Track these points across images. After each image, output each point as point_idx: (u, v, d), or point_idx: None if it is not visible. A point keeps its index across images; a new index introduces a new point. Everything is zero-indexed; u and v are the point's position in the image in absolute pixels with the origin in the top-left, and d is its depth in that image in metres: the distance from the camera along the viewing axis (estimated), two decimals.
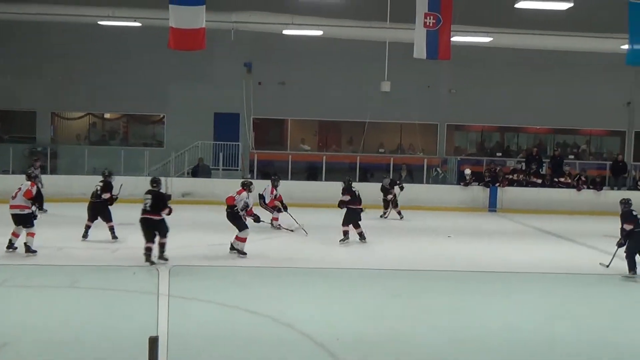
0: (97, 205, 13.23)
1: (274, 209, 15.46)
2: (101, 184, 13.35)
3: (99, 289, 9.75)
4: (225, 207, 12.44)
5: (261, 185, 15.67)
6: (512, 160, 23.70)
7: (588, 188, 21.34)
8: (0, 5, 19.06)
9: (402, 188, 18.29)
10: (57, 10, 19.36)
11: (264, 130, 24.50)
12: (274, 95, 23.24)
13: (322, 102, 23.27)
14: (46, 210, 15.62)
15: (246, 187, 12.62)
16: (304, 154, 23.72)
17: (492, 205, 20.87)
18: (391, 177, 19.83)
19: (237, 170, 22.27)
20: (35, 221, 11.77)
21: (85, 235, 13.13)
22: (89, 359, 7.08)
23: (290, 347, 7.56)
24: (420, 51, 17.13)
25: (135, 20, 20.03)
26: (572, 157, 24.56)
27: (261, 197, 15.44)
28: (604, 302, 10.31)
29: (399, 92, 20.08)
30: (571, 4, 17.38)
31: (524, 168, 22.18)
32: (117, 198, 13.42)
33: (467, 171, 21.39)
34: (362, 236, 13.78)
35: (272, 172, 18.79)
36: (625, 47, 17.43)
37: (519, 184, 21.56)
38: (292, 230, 14.93)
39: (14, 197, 11.76)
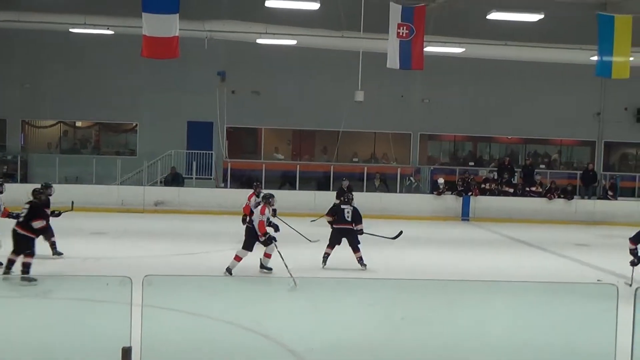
0: (19, 237, 10.59)
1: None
2: (27, 207, 10.81)
3: (71, 299, 9.62)
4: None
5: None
6: (485, 169, 23.95)
7: (559, 197, 21.60)
8: None
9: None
10: (29, 18, 19.15)
11: (237, 139, 24.45)
12: (248, 104, 23.22)
13: (296, 111, 23.31)
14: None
15: (266, 201, 11.62)
16: (277, 163, 23.71)
17: (465, 214, 21.03)
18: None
19: (210, 179, 22.19)
20: None
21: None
22: None
23: (266, 357, 7.53)
24: (393, 61, 17.28)
25: (108, 28, 19.90)
26: (543, 166, 24.84)
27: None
28: (574, 311, 10.40)
29: (372, 101, 20.22)
30: (542, 16, 17.69)
31: (496, 177, 22.41)
32: (59, 214, 11.80)
33: (440, 180, 21.56)
34: (360, 261, 12.31)
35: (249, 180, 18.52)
36: (595, 58, 17.72)
37: (492, 193, 21.77)
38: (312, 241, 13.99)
39: None
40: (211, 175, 22.34)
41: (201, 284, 10.99)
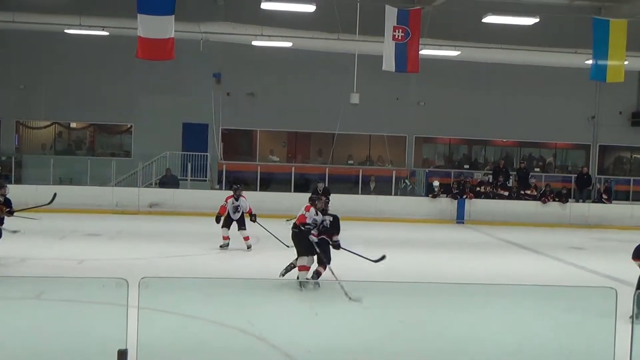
0: None
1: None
2: None
3: (66, 301, 9.58)
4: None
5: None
6: (480, 172, 24.00)
7: (554, 200, 21.64)
8: None
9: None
10: (24, 18, 19.09)
11: (232, 141, 24.44)
12: (243, 106, 23.22)
13: (291, 113, 23.30)
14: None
15: (313, 202, 11.08)
16: (272, 165, 23.69)
17: (460, 217, 21.04)
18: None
19: (205, 180, 22.16)
20: None
21: None
22: None
23: (260, 359, 7.51)
24: (389, 64, 17.29)
25: (103, 29, 19.88)
26: (538, 170, 24.91)
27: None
28: (572, 314, 10.41)
29: (367, 104, 20.21)
30: (537, 20, 17.76)
31: (491, 180, 22.44)
32: (12, 212, 11.56)
33: (436, 183, 21.57)
34: (315, 276, 10.91)
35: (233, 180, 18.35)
36: (590, 62, 17.77)
37: (486, 196, 21.77)
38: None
39: None
40: (206, 177, 22.32)
41: (197, 286, 10.97)
